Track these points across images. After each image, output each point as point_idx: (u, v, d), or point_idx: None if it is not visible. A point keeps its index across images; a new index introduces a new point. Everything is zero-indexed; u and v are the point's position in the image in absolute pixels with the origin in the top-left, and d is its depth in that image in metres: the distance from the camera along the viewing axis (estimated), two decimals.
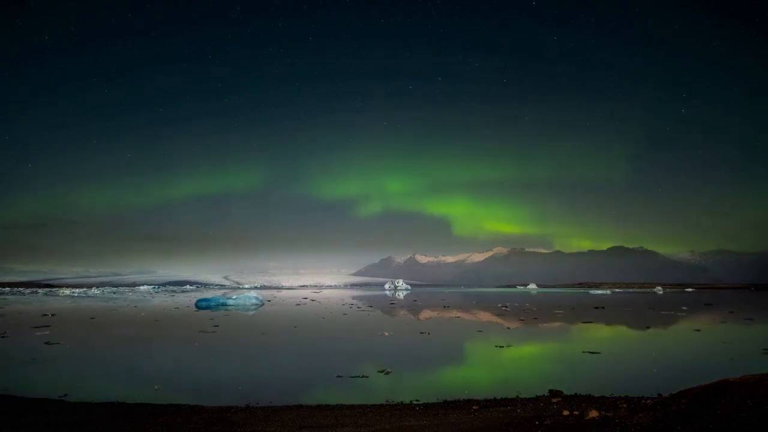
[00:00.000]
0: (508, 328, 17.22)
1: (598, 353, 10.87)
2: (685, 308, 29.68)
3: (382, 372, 8.73)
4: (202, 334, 15.04)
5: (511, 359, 10.62)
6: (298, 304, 34.89)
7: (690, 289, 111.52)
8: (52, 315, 23.44)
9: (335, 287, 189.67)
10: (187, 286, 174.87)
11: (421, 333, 15.20)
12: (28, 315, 24.20)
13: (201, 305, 29.90)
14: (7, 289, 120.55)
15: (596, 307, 30.43)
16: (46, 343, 12.64)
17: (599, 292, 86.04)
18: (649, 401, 5.05)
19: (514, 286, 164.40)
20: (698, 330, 16.58)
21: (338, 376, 8.39)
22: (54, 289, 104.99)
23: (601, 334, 16.06)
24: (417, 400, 6.74)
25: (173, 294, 67.01)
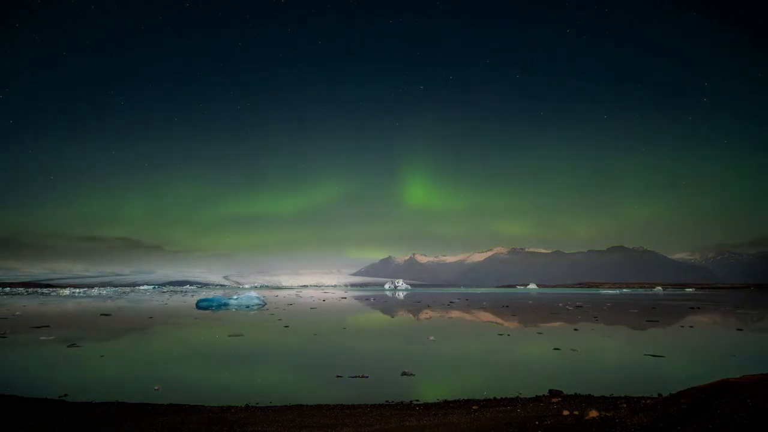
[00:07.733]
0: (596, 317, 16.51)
1: None
2: None
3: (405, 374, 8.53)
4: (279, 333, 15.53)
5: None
6: (311, 302, 34.88)
7: (690, 289, 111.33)
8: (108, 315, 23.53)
9: (335, 287, 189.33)
10: (187, 286, 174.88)
11: (500, 335, 14.48)
12: (88, 315, 24.12)
13: (202, 305, 29.82)
14: (8, 289, 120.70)
15: (692, 308, 28.45)
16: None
17: (610, 291, 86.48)
18: (649, 401, 5.04)
19: (514, 286, 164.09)
20: None
21: (338, 376, 8.38)
22: (55, 290, 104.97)
23: None
24: (417, 400, 6.73)
25: (183, 294, 65.07)
